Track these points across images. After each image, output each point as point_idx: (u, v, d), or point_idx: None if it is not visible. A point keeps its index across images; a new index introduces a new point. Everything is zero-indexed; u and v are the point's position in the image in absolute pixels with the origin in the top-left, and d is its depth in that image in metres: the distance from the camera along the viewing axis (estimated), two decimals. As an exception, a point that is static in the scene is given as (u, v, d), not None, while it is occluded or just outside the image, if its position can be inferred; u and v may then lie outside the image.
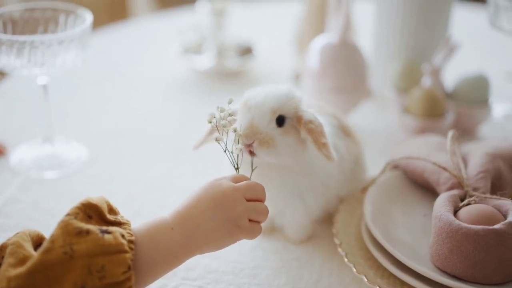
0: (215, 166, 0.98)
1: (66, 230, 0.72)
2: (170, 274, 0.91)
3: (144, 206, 1.08)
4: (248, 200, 0.83)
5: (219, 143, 0.85)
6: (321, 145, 0.88)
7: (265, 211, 0.84)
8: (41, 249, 0.71)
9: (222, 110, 0.85)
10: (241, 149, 0.86)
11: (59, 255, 0.71)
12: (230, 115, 0.85)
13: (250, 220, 0.83)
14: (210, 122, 0.85)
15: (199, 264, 0.94)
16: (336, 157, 0.89)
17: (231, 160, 0.87)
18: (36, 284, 0.70)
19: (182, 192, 1.11)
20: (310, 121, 0.88)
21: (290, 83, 1.52)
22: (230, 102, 0.86)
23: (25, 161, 1.19)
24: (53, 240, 0.72)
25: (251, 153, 0.87)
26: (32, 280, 0.70)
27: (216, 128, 0.85)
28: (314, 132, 0.88)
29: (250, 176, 0.87)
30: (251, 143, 0.86)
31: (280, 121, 0.88)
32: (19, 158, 1.20)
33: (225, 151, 0.86)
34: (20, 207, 1.07)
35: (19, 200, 1.09)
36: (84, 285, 0.70)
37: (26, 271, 0.70)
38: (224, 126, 0.84)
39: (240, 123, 0.88)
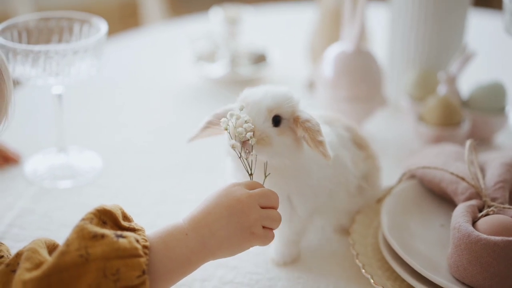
0: (227, 178, 0.98)
1: (81, 234, 0.73)
2: (185, 285, 0.91)
3: (157, 218, 1.08)
4: (262, 207, 0.83)
5: (234, 150, 0.85)
6: (318, 143, 0.86)
7: (278, 218, 0.85)
8: (56, 253, 0.72)
9: (238, 118, 0.85)
10: (239, 146, 0.85)
11: (75, 258, 0.71)
12: (246, 122, 0.85)
13: (263, 227, 0.83)
14: (226, 129, 0.85)
15: (215, 275, 0.94)
16: (331, 154, 0.87)
17: (245, 167, 0.86)
18: (51, 287, 0.70)
19: (194, 204, 1.10)
20: (307, 120, 0.87)
21: (304, 91, 1.52)
22: (241, 109, 0.86)
23: (39, 171, 1.19)
24: (68, 244, 0.72)
25: (247, 150, 0.85)
26: (47, 282, 0.71)
27: (229, 134, 0.85)
28: (311, 130, 0.86)
29: (263, 183, 0.87)
30: (247, 140, 0.85)
31: (276, 121, 0.87)
32: (33, 167, 1.20)
33: (240, 157, 0.85)
34: (34, 218, 1.07)
35: (33, 210, 1.09)
36: None
37: (41, 274, 0.71)
38: (239, 134, 0.84)
39: (233, 133, 0.86)
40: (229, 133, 0.86)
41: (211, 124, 0.92)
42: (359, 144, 1.00)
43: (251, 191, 0.84)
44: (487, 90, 1.28)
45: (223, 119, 0.86)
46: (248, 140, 0.84)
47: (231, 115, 0.86)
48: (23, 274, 0.71)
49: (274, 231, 0.85)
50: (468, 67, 1.32)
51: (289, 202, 0.93)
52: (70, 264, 0.71)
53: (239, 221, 0.81)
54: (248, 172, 0.87)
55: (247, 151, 0.85)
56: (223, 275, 0.94)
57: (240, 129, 0.84)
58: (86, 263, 0.71)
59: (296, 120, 0.88)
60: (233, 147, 0.85)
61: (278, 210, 0.86)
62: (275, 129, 0.87)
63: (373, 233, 0.99)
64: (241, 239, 0.82)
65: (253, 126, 0.85)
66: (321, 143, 0.86)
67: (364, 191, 1.01)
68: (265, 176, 0.88)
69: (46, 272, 0.71)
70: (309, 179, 0.91)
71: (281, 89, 0.89)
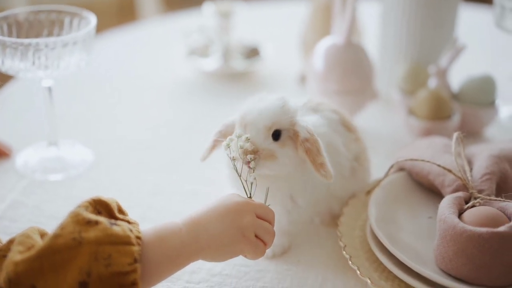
0: (221, 171, 0.98)
1: (76, 219, 0.74)
2: (174, 277, 0.91)
3: (148, 211, 1.08)
4: (258, 217, 0.86)
5: (234, 165, 0.88)
6: (319, 166, 0.89)
7: (272, 233, 0.87)
8: (50, 235, 0.73)
9: (239, 136, 0.88)
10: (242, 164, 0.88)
11: (68, 241, 0.72)
12: (247, 139, 0.87)
13: (256, 237, 0.85)
14: (229, 146, 0.88)
15: (203, 268, 0.94)
16: (333, 172, 0.90)
17: (245, 188, 0.89)
18: (42, 269, 0.71)
19: (187, 197, 1.12)
20: (306, 140, 0.89)
21: (296, 85, 1.52)
22: (239, 136, 0.88)
23: (30, 164, 1.19)
24: (62, 227, 0.73)
25: (249, 168, 0.88)
26: (39, 264, 0.71)
27: (232, 159, 0.89)
28: (311, 152, 0.89)
29: (265, 202, 0.90)
30: (250, 161, 0.87)
31: (277, 135, 0.90)
32: (24, 160, 1.20)
33: (239, 176, 0.89)
34: (24, 211, 1.08)
35: (23, 203, 1.09)
36: (90, 272, 0.72)
37: (34, 255, 0.72)
38: (243, 153, 0.87)
39: (235, 149, 0.89)
40: (229, 151, 0.89)
41: (217, 142, 0.96)
42: (348, 126, 1.01)
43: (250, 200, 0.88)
44: (477, 84, 1.29)
45: (226, 140, 0.89)
46: (249, 162, 0.87)
47: (231, 139, 0.89)
48: (15, 255, 0.72)
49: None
50: (458, 61, 1.32)
51: (291, 198, 0.94)
52: (63, 246, 0.72)
53: (233, 220, 0.83)
54: (247, 195, 0.90)
55: (250, 170, 0.88)
56: (211, 267, 0.95)
57: (242, 143, 0.87)
58: (78, 246, 0.72)
59: (295, 134, 0.90)
60: (233, 159, 0.88)
61: (279, 203, 0.90)
62: (277, 143, 0.90)
63: (361, 225, 0.99)
64: (232, 239, 0.83)
65: (253, 147, 0.87)
66: (322, 165, 0.89)
67: (356, 172, 1.02)
68: (266, 196, 0.90)
69: (39, 253, 0.72)
70: (309, 173, 0.92)
71: (276, 103, 0.91)
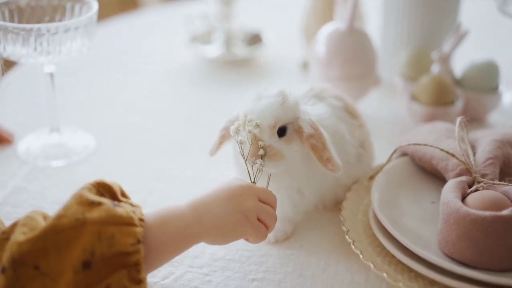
0: (222, 157, 0.98)
1: (80, 200, 0.74)
2: (176, 262, 0.91)
3: (150, 196, 1.08)
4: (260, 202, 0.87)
5: (241, 149, 0.88)
6: (326, 161, 0.89)
7: (274, 216, 0.88)
8: (53, 216, 0.73)
9: (250, 120, 0.87)
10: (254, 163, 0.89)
11: (71, 221, 0.72)
12: (257, 125, 0.87)
13: (258, 220, 0.86)
14: (237, 131, 0.89)
15: (205, 252, 0.94)
16: (340, 164, 0.90)
17: (249, 173, 0.89)
18: (46, 249, 0.72)
19: (189, 183, 1.11)
20: (311, 136, 0.89)
21: (299, 72, 1.52)
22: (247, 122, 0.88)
23: (32, 150, 1.19)
24: (66, 208, 0.74)
25: (256, 162, 0.88)
26: (43, 244, 0.72)
27: (240, 142, 0.89)
28: (317, 148, 0.89)
29: (267, 186, 0.90)
30: (258, 152, 0.88)
31: (282, 131, 0.89)
32: (26, 147, 1.20)
33: (245, 160, 0.89)
34: (27, 196, 1.07)
35: (25, 189, 1.09)
36: (93, 251, 0.72)
37: (37, 235, 0.72)
38: (249, 132, 0.87)
39: (244, 134, 0.89)
40: (237, 136, 0.89)
41: (224, 137, 0.96)
42: (352, 113, 1.01)
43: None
44: (480, 69, 1.28)
45: (234, 124, 0.89)
46: (259, 146, 0.87)
47: (240, 124, 0.89)
48: (19, 236, 0.72)
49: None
50: (461, 46, 1.32)
51: (298, 191, 0.95)
52: (67, 226, 0.72)
53: (236, 203, 0.84)
54: (251, 180, 0.90)
55: (255, 162, 0.88)
56: (214, 252, 0.94)
57: (251, 128, 0.87)
58: (82, 226, 0.72)
59: (299, 129, 0.90)
60: (240, 142, 0.88)
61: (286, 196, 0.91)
62: (282, 139, 0.89)
63: (364, 210, 0.99)
64: (235, 221, 0.84)
65: (261, 133, 0.88)
66: (329, 160, 0.89)
67: (361, 158, 1.02)
68: (268, 181, 0.90)
69: (42, 233, 0.72)
70: (316, 165, 0.92)
71: (276, 100, 0.90)
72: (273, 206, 0.88)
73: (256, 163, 0.88)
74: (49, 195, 1.08)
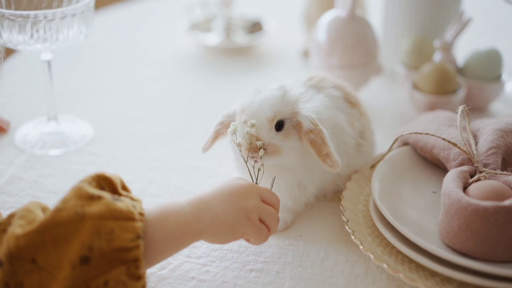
0: (220, 146, 0.97)
1: (79, 194, 0.73)
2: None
3: (148, 185, 1.07)
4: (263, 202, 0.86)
5: (240, 151, 0.88)
6: (325, 157, 0.88)
7: (277, 218, 0.87)
8: (51, 209, 0.72)
9: (245, 121, 0.87)
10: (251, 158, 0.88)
11: (70, 215, 0.71)
12: (252, 125, 0.86)
13: (260, 221, 0.85)
14: (235, 132, 0.88)
15: (203, 242, 0.93)
16: (339, 160, 0.89)
17: (251, 174, 0.89)
18: (44, 242, 0.71)
19: (187, 172, 1.10)
20: (310, 131, 0.88)
21: (299, 60, 1.50)
22: (245, 122, 0.87)
23: (29, 139, 1.18)
24: (65, 201, 0.73)
25: (255, 159, 0.88)
26: (41, 238, 0.71)
27: (238, 145, 0.88)
28: (316, 143, 0.88)
29: (271, 188, 0.90)
30: (257, 148, 0.87)
31: (279, 125, 0.89)
32: (24, 135, 1.19)
33: (246, 162, 0.88)
34: (23, 185, 1.06)
35: (22, 178, 1.08)
36: (92, 246, 0.71)
37: (36, 228, 0.71)
38: (247, 134, 0.86)
39: (241, 134, 0.88)
40: (235, 137, 0.88)
41: (218, 133, 0.95)
42: (352, 102, 1.00)
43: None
44: (483, 57, 1.27)
45: (231, 125, 0.89)
46: (257, 147, 0.86)
47: (237, 125, 0.88)
48: (17, 229, 0.71)
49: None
50: (464, 34, 1.30)
51: (299, 185, 0.94)
52: (65, 220, 0.71)
53: (238, 201, 0.83)
54: (253, 181, 0.90)
55: (255, 160, 0.87)
56: (212, 242, 0.94)
57: (248, 129, 0.86)
58: (81, 221, 0.71)
59: (299, 125, 0.89)
60: (239, 145, 0.87)
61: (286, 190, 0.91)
62: (280, 134, 0.89)
63: (364, 200, 0.98)
64: (235, 219, 0.83)
65: (259, 134, 0.87)
66: (327, 155, 0.88)
67: (362, 147, 1.01)
68: (273, 181, 0.90)
69: (40, 226, 0.71)
70: (315, 159, 0.91)
71: (276, 93, 0.89)
72: (276, 208, 0.87)
73: (257, 162, 0.87)
74: (46, 184, 1.07)
